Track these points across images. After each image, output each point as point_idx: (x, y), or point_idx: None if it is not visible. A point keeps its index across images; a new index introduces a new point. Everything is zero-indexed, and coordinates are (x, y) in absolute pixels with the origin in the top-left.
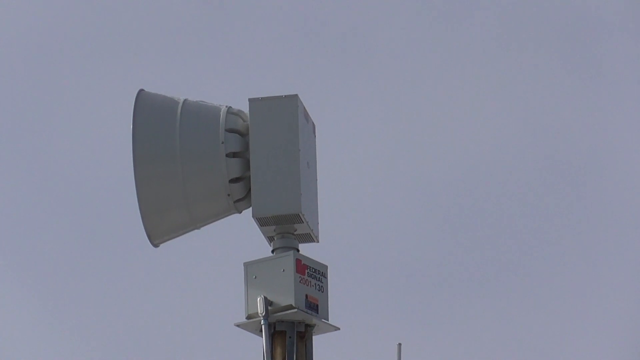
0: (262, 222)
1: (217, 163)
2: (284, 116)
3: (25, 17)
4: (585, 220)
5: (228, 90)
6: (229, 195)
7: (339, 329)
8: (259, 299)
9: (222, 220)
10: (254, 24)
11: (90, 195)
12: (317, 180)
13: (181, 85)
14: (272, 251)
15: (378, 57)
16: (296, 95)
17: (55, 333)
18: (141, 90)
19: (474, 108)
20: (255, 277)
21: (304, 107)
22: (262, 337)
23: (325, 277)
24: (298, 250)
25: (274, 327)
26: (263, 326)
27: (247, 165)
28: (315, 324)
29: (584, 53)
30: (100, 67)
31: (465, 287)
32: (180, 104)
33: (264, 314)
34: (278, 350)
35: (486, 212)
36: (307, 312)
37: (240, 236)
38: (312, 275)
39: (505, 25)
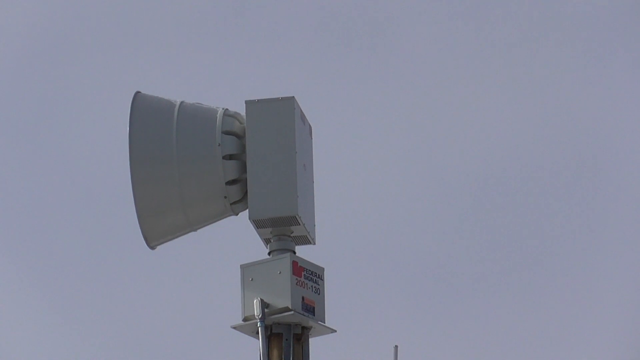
0: (258, 224)
1: (213, 165)
2: (281, 118)
3: (22, 18)
4: (595, 219)
5: (225, 92)
6: (225, 197)
7: (335, 331)
8: (255, 301)
9: (218, 222)
10: (250, 26)
11: (87, 197)
12: (313, 182)
13: (178, 87)
14: (269, 253)
15: (376, 58)
16: (292, 97)
17: (54, 334)
18: (138, 93)
19: (473, 109)
20: (252, 280)
21: (301, 109)
22: (258, 339)
23: (322, 280)
24: (295, 253)
25: (271, 330)
26: (260, 328)
27: (243, 168)
28: (311, 326)
29: (599, 49)
30: (96, 69)
31: (463, 290)
32: (177, 107)
33: (260, 316)
34: (275, 353)
35: (484, 213)
36: (303, 315)
37: (236, 238)
38: (309, 277)
39: (518, 22)
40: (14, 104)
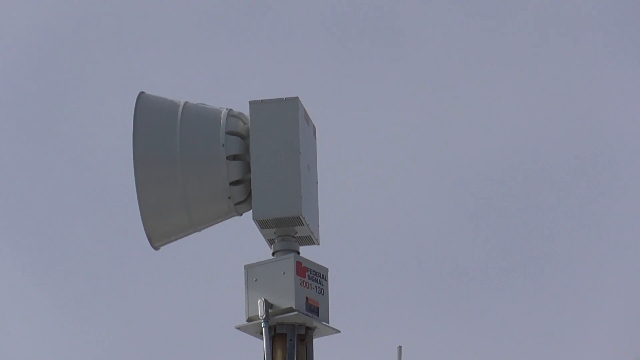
0: (262, 224)
1: (217, 166)
2: (285, 119)
3: (25, 19)
4: (600, 219)
5: (229, 92)
6: (229, 197)
7: (339, 331)
8: (259, 301)
9: (222, 222)
10: (254, 26)
11: (91, 197)
12: (317, 182)
13: (182, 88)
14: (273, 254)
15: (380, 57)
16: (296, 97)
17: (58, 334)
18: (142, 93)
19: (478, 109)
20: (256, 280)
21: (305, 110)
22: (262, 339)
23: (326, 280)
24: (299, 253)
25: (275, 330)
26: (263, 329)
27: (247, 168)
28: (315, 327)
29: (605, 48)
30: (100, 70)
31: (467, 290)
32: (181, 107)
33: (264, 316)
34: (278, 353)
35: (489, 214)
36: (307, 315)
37: (240, 239)
38: (313, 277)
39: (522, 23)
40: (18, 104)
